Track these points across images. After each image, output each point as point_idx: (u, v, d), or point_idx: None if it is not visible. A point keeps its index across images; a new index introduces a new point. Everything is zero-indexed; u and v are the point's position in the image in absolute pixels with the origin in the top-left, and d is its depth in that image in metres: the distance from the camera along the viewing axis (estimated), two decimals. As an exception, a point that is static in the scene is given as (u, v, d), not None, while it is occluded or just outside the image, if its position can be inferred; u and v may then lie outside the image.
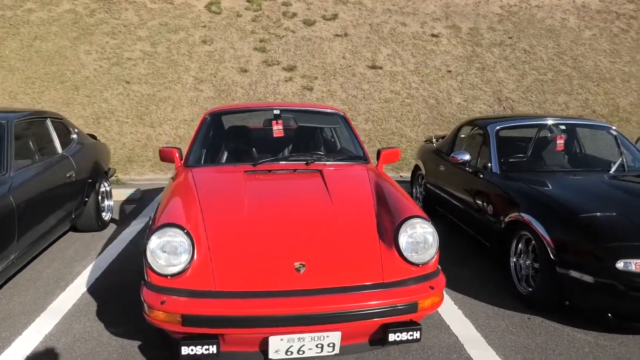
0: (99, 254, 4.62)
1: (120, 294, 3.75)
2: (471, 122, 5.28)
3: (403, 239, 2.74)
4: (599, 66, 11.65)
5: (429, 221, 2.81)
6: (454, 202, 4.80)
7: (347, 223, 2.92)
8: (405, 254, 2.71)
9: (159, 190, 7.20)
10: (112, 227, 5.46)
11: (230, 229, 2.83)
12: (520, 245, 3.68)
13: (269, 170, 3.66)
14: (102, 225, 5.27)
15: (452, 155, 4.66)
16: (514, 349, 3.01)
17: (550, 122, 4.65)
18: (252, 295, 2.47)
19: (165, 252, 2.59)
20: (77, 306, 3.57)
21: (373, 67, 11.00)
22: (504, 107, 10.40)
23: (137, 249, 4.70)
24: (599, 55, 11.94)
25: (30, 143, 4.34)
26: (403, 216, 2.82)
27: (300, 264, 2.61)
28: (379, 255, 2.72)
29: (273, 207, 3.09)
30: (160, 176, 8.30)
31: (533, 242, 3.47)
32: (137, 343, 3.07)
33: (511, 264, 3.75)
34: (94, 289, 3.86)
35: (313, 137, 4.64)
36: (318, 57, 11.18)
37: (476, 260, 4.40)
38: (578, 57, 11.81)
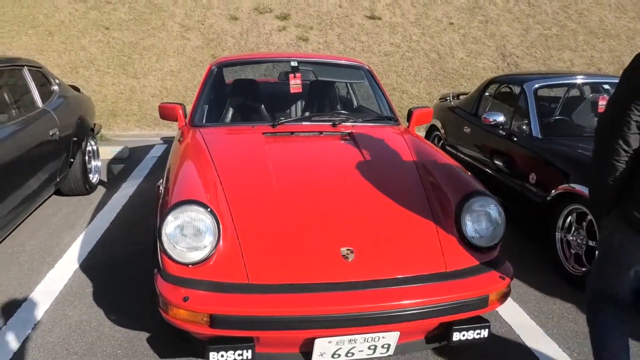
0: (89, 222, 4.11)
1: (118, 272, 3.29)
2: (500, 79, 4.81)
3: (466, 219, 2.31)
4: (604, 22, 11.16)
5: (494, 198, 2.38)
6: (484, 167, 4.38)
7: (394, 199, 2.48)
8: (468, 236, 2.29)
9: (148, 147, 6.63)
10: (100, 191, 4.92)
11: (259, 206, 2.36)
12: (569, 220, 3.30)
13: (291, 133, 3.16)
14: (89, 188, 4.73)
15: (484, 116, 4.20)
16: (578, 341, 2.67)
17: (591, 80, 4.23)
18: (294, 289, 2.03)
19: (185, 235, 2.11)
20: (69, 287, 3.10)
21: (372, 17, 10.32)
22: (508, 63, 9.91)
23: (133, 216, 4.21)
24: (604, 10, 11.42)
25: (5, 96, 3.73)
26: (464, 192, 2.39)
27: (348, 250, 2.17)
28: (437, 238, 2.30)
29: (305, 178, 2.62)
30: (147, 132, 7.70)
31: (589, 217, 3.09)
32: (144, 335, 2.63)
33: (557, 240, 3.38)
34: (87, 265, 3.38)
35: (333, 93, 4.11)
36: (313, 5, 10.43)
37: (512, 235, 4.00)
38: (583, 11, 11.28)
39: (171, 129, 7.62)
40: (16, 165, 3.41)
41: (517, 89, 4.30)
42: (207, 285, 2.04)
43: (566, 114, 4.16)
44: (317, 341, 2.02)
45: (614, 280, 1.95)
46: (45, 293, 3.02)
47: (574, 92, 4.47)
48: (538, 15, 10.92)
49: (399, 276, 2.13)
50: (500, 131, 4.15)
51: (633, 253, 1.84)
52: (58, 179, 4.19)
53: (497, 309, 2.86)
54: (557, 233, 3.38)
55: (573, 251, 3.28)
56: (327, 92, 4.08)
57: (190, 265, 2.08)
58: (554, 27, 10.72)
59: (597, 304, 2.04)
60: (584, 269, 3.16)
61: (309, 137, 3.16)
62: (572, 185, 3.22)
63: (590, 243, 3.11)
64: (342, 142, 3.07)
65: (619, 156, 1.75)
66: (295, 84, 3.56)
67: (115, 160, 6.07)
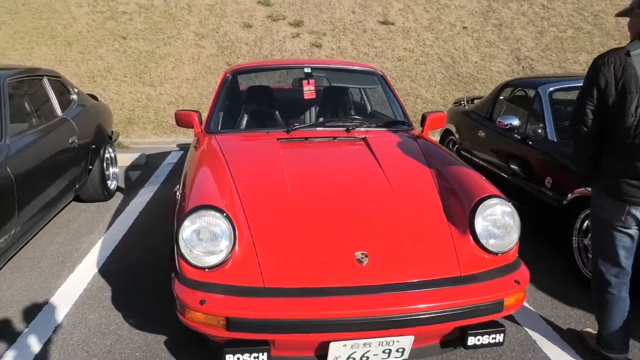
0: (107, 228, 4.19)
1: (136, 277, 3.34)
2: (515, 83, 4.79)
3: (480, 224, 2.31)
4: (621, 23, 11.01)
5: (508, 201, 2.38)
6: (499, 172, 4.37)
7: (408, 203, 2.49)
8: (482, 241, 2.29)
9: (164, 154, 6.72)
10: (118, 197, 5.00)
11: (273, 211, 2.39)
12: (586, 224, 3.28)
13: (305, 138, 3.19)
14: (107, 194, 4.82)
15: (498, 119, 4.19)
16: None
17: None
18: (309, 293, 2.05)
19: (201, 239, 2.15)
20: (88, 291, 3.16)
21: (385, 22, 10.35)
22: (522, 67, 9.85)
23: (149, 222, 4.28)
24: (621, 12, 11.29)
25: (26, 105, 3.83)
26: (477, 196, 2.39)
27: (362, 254, 2.18)
28: (452, 242, 2.30)
29: (320, 183, 2.64)
30: (163, 139, 7.80)
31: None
32: (162, 338, 2.67)
33: (574, 244, 3.35)
34: (106, 270, 3.45)
35: (347, 99, 4.14)
36: (326, 11, 10.49)
37: (528, 239, 3.96)
38: (599, 13, 11.18)
39: (187, 136, 7.71)
40: (37, 172, 3.49)
41: (532, 92, 4.28)
42: (224, 289, 2.07)
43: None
44: (332, 344, 2.03)
45: (604, 238, 2.43)
46: (66, 297, 3.08)
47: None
48: (553, 18, 10.85)
49: (414, 280, 2.14)
50: (515, 135, 4.13)
51: (609, 211, 2.36)
52: (77, 186, 4.27)
53: (512, 314, 2.86)
54: (574, 237, 3.35)
55: (590, 255, 3.25)
56: (340, 98, 4.11)
57: (206, 269, 2.12)
58: (569, 30, 10.64)
59: (600, 267, 2.46)
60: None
61: (323, 143, 3.18)
62: (588, 188, 3.19)
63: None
64: (356, 147, 3.09)
65: (583, 132, 2.35)
66: (309, 90, 3.59)
67: (132, 167, 6.16)
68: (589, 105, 2.29)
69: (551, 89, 4.05)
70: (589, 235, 3.24)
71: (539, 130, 3.94)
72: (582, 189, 3.24)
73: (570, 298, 3.14)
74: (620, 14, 2.53)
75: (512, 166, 4.18)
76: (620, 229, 2.34)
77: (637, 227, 2.32)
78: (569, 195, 3.33)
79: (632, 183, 2.23)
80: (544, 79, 4.32)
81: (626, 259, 2.39)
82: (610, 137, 2.28)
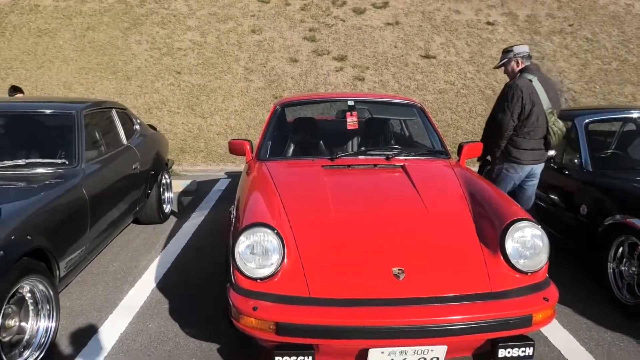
0: (163, 247, 4.53)
1: (190, 292, 3.62)
2: (551, 115, 4.94)
3: (510, 245, 2.48)
4: (669, 54, 10.91)
5: (537, 224, 2.54)
6: (536, 200, 4.47)
7: (442, 225, 2.69)
8: (512, 260, 2.45)
9: (213, 181, 7.11)
10: (172, 220, 5.37)
11: (318, 229, 2.64)
12: (621, 250, 3.36)
13: (348, 166, 3.44)
14: (163, 217, 5.19)
15: (534, 150, 4.35)
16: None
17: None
18: (350, 303, 2.27)
19: (254, 253, 2.41)
20: (148, 303, 3.46)
21: (426, 56, 10.62)
22: (565, 99, 9.86)
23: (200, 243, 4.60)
24: (668, 44, 11.18)
25: (97, 134, 4.26)
26: (508, 219, 2.56)
27: (399, 270, 2.39)
28: (483, 261, 2.48)
29: (360, 205, 2.88)
30: (212, 167, 8.23)
31: (641, 247, 3.15)
32: (215, 345, 2.92)
33: (609, 270, 3.43)
34: (163, 285, 3.75)
35: (387, 129, 4.40)
36: (369, 46, 10.87)
37: (564, 265, 4.04)
38: (645, 45, 11.10)
39: (235, 164, 8.11)
40: (106, 194, 3.87)
41: (568, 124, 4.40)
42: (274, 298, 2.32)
43: (621, 148, 4.23)
44: (370, 351, 2.23)
45: (503, 186, 3.87)
46: (128, 307, 3.39)
47: (630, 127, 4.51)
48: (597, 50, 10.85)
49: (447, 294, 2.33)
50: (552, 164, 4.25)
51: (509, 171, 3.94)
52: (137, 208, 4.65)
53: (546, 336, 2.97)
54: (609, 264, 3.43)
55: (625, 281, 3.32)
56: (381, 128, 4.36)
57: (258, 280, 2.38)
58: (614, 62, 10.61)
59: None
60: (636, 300, 3.19)
61: (365, 170, 3.43)
62: (622, 216, 3.29)
63: (643, 273, 3.15)
64: (395, 174, 3.31)
65: (509, 126, 3.85)
66: (351, 122, 3.86)
67: (184, 192, 6.57)
68: (516, 109, 3.79)
69: (587, 120, 4.17)
70: (624, 261, 3.33)
71: (575, 160, 4.06)
72: (617, 216, 3.34)
73: (605, 321, 3.21)
74: (498, 67, 4.22)
75: (549, 195, 4.29)
76: (516, 181, 3.94)
77: (527, 177, 3.96)
78: (604, 222, 3.43)
79: (533, 153, 3.85)
80: (581, 111, 4.44)
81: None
82: (524, 127, 3.82)
